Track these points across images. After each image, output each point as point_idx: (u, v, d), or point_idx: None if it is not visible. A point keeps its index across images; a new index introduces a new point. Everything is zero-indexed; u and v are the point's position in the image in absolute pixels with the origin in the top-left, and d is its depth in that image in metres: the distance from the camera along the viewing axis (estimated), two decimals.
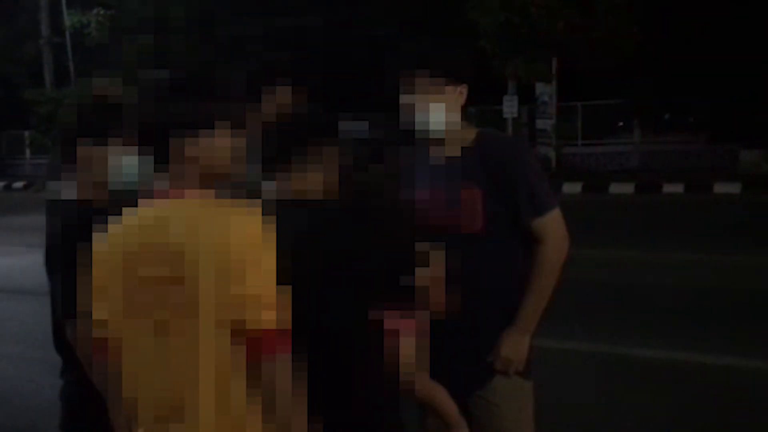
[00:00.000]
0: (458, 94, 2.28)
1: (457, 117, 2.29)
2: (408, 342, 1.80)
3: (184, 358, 1.55)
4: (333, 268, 1.76)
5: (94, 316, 1.61)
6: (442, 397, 2.09)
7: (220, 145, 1.68)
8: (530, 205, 2.26)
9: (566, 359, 5.22)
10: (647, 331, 5.89)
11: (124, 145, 2.12)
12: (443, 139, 2.28)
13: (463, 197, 2.24)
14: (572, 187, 16.13)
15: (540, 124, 19.35)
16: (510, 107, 18.69)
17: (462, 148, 2.29)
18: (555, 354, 5.07)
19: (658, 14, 16.28)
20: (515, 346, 2.29)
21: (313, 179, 1.85)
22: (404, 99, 2.25)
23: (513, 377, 2.32)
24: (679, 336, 5.72)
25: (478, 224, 2.24)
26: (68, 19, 23.33)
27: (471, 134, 2.31)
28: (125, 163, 2.12)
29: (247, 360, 1.55)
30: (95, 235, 1.65)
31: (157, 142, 1.69)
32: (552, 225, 2.28)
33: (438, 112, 2.23)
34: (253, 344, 1.54)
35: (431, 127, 2.25)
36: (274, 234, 1.56)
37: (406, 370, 1.82)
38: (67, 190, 2.17)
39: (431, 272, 1.94)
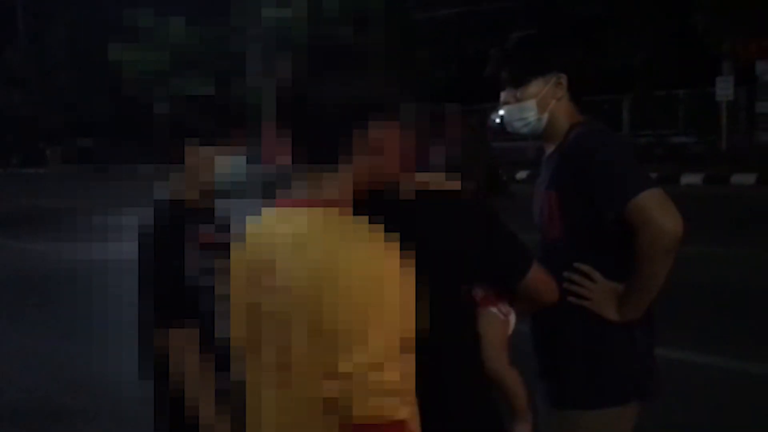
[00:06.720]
0: (552, 85, 2.11)
1: (538, 110, 2.11)
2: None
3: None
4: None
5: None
6: (516, 379, 1.98)
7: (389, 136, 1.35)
8: (611, 194, 1.97)
9: None
10: None
11: (233, 145, 2.17)
12: (541, 135, 2.16)
13: (545, 201, 2.11)
14: None
15: (760, 107, 18.37)
16: (724, 89, 17.65)
17: (557, 145, 2.13)
18: None
19: None
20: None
21: None
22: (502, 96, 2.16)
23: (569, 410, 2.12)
24: None
25: (556, 231, 2.08)
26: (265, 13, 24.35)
27: (566, 129, 2.12)
28: (233, 163, 2.15)
29: None
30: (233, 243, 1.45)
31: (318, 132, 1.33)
32: (647, 203, 1.94)
33: (515, 109, 2.12)
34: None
35: (515, 125, 2.14)
36: (413, 277, 1.25)
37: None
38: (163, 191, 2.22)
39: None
